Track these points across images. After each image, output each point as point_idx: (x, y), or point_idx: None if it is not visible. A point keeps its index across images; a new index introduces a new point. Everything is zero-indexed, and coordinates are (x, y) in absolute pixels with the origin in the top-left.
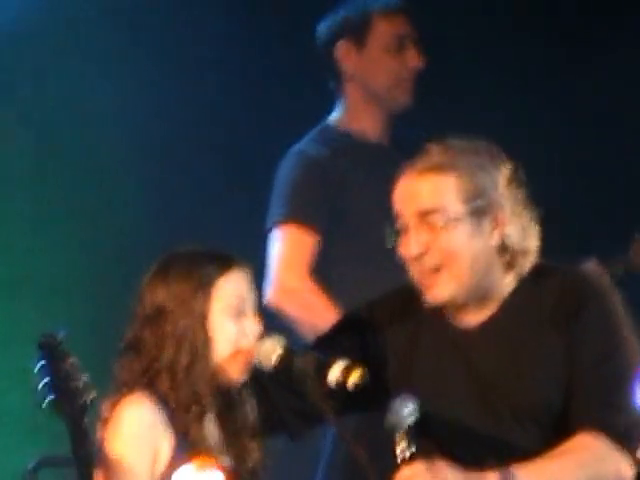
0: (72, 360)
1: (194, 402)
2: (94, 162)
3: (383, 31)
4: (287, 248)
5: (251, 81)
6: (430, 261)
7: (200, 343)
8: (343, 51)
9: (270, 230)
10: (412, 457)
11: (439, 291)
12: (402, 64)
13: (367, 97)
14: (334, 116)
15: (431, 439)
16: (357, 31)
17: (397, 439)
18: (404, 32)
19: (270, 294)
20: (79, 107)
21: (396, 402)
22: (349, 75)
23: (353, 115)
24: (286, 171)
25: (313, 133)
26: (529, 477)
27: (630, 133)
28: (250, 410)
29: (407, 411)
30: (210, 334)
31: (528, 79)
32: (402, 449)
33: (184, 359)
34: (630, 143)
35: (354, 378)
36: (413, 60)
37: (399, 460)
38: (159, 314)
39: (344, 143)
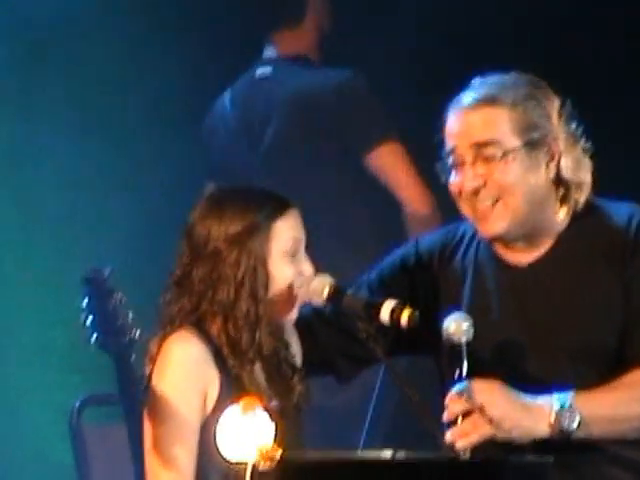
0: (118, 296)
1: (252, 346)
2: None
3: None
4: (407, 162)
5: None
6: (486, 195)
7: (260, 287)
8: None
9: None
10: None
11: (494, 225)
12: None
13: None
14: None
15: (480, 375)
16: None
17: (453, 353)
18: None
19: (422, 204)
20: None
21: (454, 315)
22: None
23: None
24: (363, 92)
25: None
26: (586, 403)
27: None
28: (295, 348)
29: (466, 325)
30: (269, 277)
31: None
32: (460, 363)
33: (243, 303)
34: None
35: (405, 317)
36: None
37: (456, 374)
38: (213, 254)
39: None
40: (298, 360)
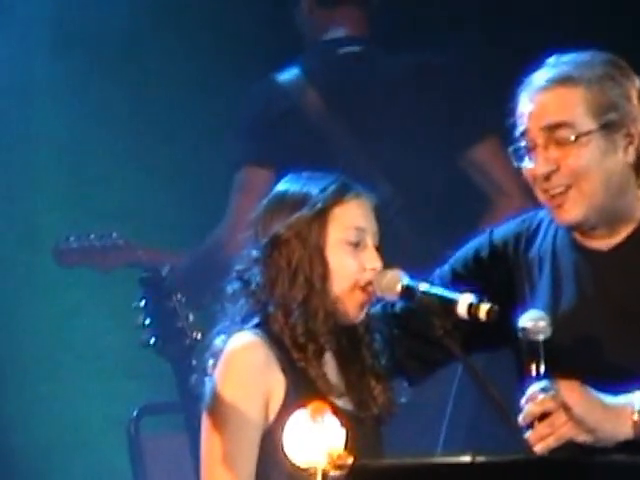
0: (177, 297)
1: (310, 340)
2: None
3: None
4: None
5: None
6: (559, 180)
7: (316, 276)
8: None
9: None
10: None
11: (569, 211)
12: None
13: None
14: None
15: (560, 365)
16: None
17: (531, 350)
18: None
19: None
20: None
21: (531, 313)
22: None
23: None
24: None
25: None
26: None
27: None
28: (376, 350)
29: (543, 324)
30: (327, 267)
31: None
32: (537, 362)
33: (299, 294)
34: None
35: (484, 311)
36: None
37: (533, 373)
38: (273, 245)
39: None
40: (378, 361)
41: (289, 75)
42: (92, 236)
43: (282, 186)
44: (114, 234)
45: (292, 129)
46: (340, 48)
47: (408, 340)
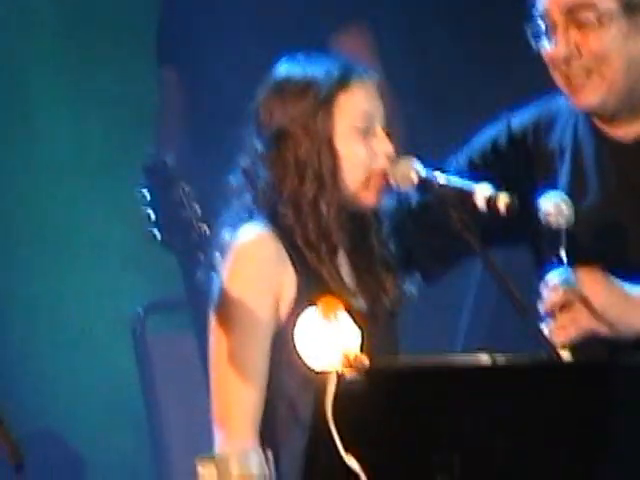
0: (184, 188)
1: (323, 239)
2: None
3: None
4: None
5: None
6: (580, 64)
7: (326, 170)
8: None
9: None
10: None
11: (589, 96)
12: None
13: None
14: None
15: (582, 258)
16: None
17: (552, 237)
18: None
19: None
20: None
21: (553, 197)
22: None
23: None
24: None
25: None
26: None
27: None
28: (385, 237)
29: (565, 208)
30: (337, 158)
31: None
32: (558, 250)
33: (309, 190)
34: None
35: (503, 203)
36: None
37: (555, 261)
38: (278, 138)
39: None
40: (389, 252)
41: None
42: None
43: (281, 70)
44: None
45: None
46: None
47: (424, 235)
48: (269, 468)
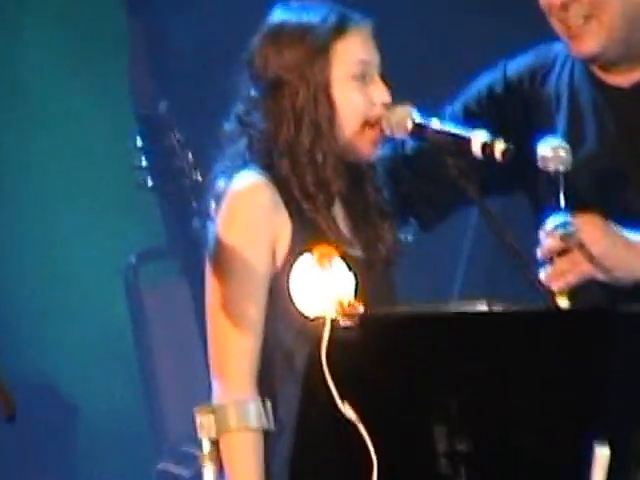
0: (176, 135)
1: (320, 189)
2: None
3: None
4: None
5: None
6: (578, 10)
7: (322, 118)
8: None
9: None
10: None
11: (587, 43)
12: None
13: None
14: None
15: (581, 204)
16: None
17: (550, 182)
18: None
19: None
20: None
21: (550, 141)
22: None
23: None
24: None
25: None
26: None
27: None
28: (379, 184)
29: (563, 152)
30: (333, 106)
31: None
32: (557, 195)
33: (305, 139)
34: None
35: (499, 150)
36: None
37: (553, 204)
38: (274, 86)
39: None
40: (383, 198)
41: None
42: None
43: (276, 17)
44: None
45: None
46: None
47: (420, 182)
48: (268, 418)
